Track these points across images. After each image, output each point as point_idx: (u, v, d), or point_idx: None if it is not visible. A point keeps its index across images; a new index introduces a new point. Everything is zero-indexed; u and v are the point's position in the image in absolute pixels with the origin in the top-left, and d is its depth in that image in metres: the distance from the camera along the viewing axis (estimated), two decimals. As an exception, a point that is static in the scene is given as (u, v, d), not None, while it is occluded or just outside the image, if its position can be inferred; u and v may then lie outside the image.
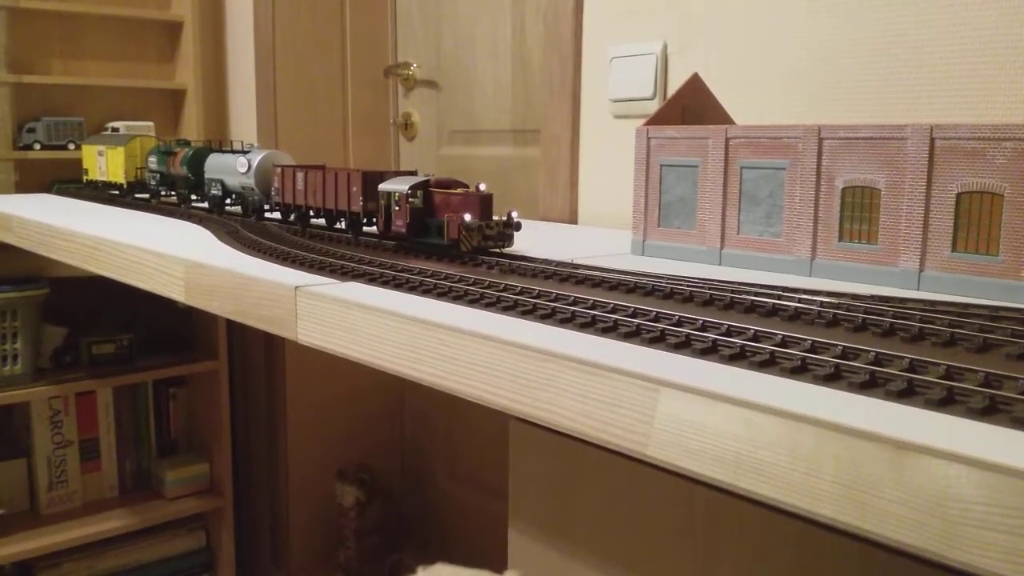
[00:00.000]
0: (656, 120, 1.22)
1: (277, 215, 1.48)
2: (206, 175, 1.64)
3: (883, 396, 0.56)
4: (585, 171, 1.87)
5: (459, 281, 0.94)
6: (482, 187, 1.11)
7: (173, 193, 1.85)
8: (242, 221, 1.51)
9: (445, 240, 1.09)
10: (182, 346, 2.60)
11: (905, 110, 1.32)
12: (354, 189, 1.24)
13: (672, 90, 1.54)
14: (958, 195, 0.92)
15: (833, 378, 0.60)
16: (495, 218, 1.11)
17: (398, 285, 0.95)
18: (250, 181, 1.50)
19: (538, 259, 1.05)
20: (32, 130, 2.66)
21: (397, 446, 2.71)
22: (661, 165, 1.20)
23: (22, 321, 2.25)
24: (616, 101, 1.78)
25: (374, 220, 1.23)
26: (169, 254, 1.20)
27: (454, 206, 1.11)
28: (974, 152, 0.90)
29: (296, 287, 0.95)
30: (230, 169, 1.55)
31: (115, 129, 2.79)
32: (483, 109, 2.50)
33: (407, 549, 2.55)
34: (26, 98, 2.69)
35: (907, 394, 0.56)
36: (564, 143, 1.88)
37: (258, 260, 1.15)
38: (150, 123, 2.84)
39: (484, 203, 1.10)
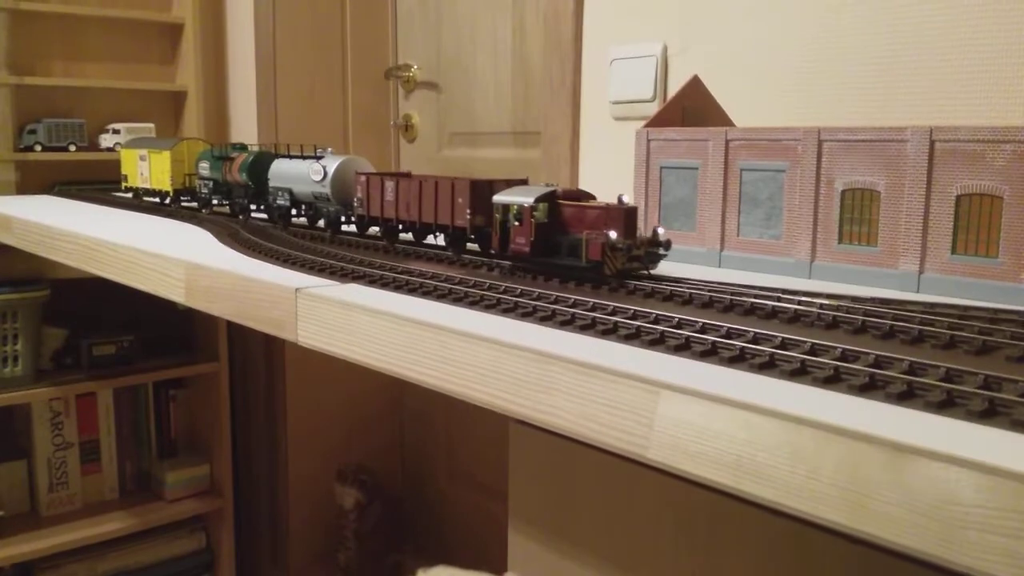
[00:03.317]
0: (656, 122, 1.22)
1: (351, 228, 1.34)
2: (270, 183, 1.46)
3: (883, 399, 0.56)
4: (585, 173, 1.87)
5: (459, 283, 0.94)
6: (625, 199, 0.96)
7: (227, 203, 1.67)
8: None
9: (583, 261, 0.93)
10: (182, 348, 2.60)
11: (906, 111, 1.32)
12: (459, 201, 1.09)
13: (672, 92, 1.54)
14: (958, 197, 0.92)
15: (833, 380, 0.60)
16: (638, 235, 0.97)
17: (398, 287, 0.95)
18: (325, 190, 1.33)
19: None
20: (33, 132, 2.66)
21: (397, 448, 2.71)
22: (661, 167, 1.20)
23: (23, 322, 2.25)
24: (616, 103, 1.78)
25: (479, 236, 1.10)
26: (169, 255, 1.20)
27: (590, 221, 0.95)
28: (973, 154, 0.90)
29: (297, 289, 0.95)
30: (300, 177, 1.38)
31: (116, 131, 2.79)
32: (483, 111, 2.50)
33: (407, 551, 2.55)
34: (27, 100, 2.69)
35: (907, 397, 0.56)
36: (564, 145, 1.88)
37: (258, 261, 1.15)
38: (151, 125, 2.85)
39: (629, 219, 0.94)
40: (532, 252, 0.97)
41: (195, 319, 2.59)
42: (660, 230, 0.96)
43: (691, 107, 1.24)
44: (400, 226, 1.20)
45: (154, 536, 2.51)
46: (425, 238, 1.20)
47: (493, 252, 1.04)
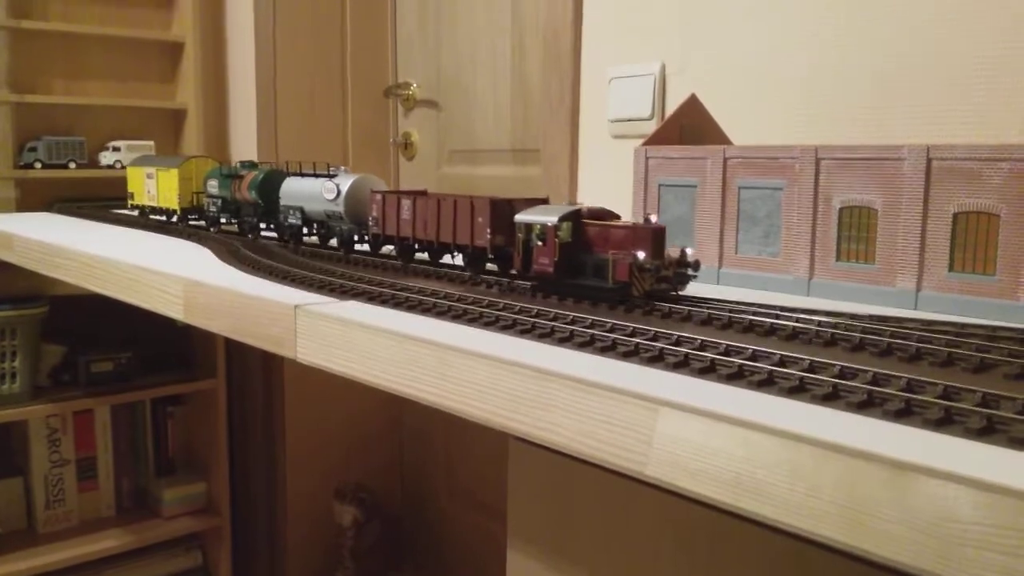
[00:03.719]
0: (654, 140, 1.23)
1: (365, 247, 1.33)
2: (282, 201, 1.44)
3: (881, 416, 0.56)
4: (584, 190, 1.88)
5: (458, 300, 0.94)
6: (653, 219, 0.94)
7: (235, 221, 1.65)
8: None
9: (610, 283, 0.91)
10: (180, 364, 2.60)
11: (904, 127, 1.33)
12: (480, 220, 1.06)
13: (670, 110, 1.54)
14: (955, 215, 0.92)
15: (831, 398, 0.60)
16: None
17: (397, 304, 0.95)
18: (338, 209, 1.31)
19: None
20: (33, 149, 2.67)
21: (396, 466, 2.70)
22: (659, 185, 1.21)
23: (21, 339, 2.25)
24: (615, 121, 1.79)
25: (499, 256, 1.08)
26: (168, 272, 1.20)
27: (617, 241, 0.92)
28: (970, 173, 0.90)
29: (296, 306, 0.95)
30: (313, 195, 1.36)
31: (116, 148, 2.80)
32: (483, 129, 2.51)
33: (405, 569, 2.54)
34: (27, 117, 2.69)
35: (905, 414, 0.56)
36: (563, 162, 1.89)
37: (257, 279, 1.15)
38: (151, 142, 2.85)
39: (657, 239, 0.91)
40: (556, 273, 0.95)
41: (193, 336, 2.58)
42: (689, 250, 0.93)
43: (689, 125, 1.25)
44: (416, 245, 1.18)
45: (151, 554, 2.50)
46: (441, 257, 1.18)
47: (515, 273, 1.01)
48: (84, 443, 2.47)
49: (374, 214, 1.23)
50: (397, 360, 0.82)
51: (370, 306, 0.96)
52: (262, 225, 1.56)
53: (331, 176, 1.36)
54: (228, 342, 2.53)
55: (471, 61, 2.52)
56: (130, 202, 2.06)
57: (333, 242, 1.38)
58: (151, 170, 1.93)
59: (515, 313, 0.87)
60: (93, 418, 2.48)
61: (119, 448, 2.54)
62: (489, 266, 1.11)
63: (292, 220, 1.42)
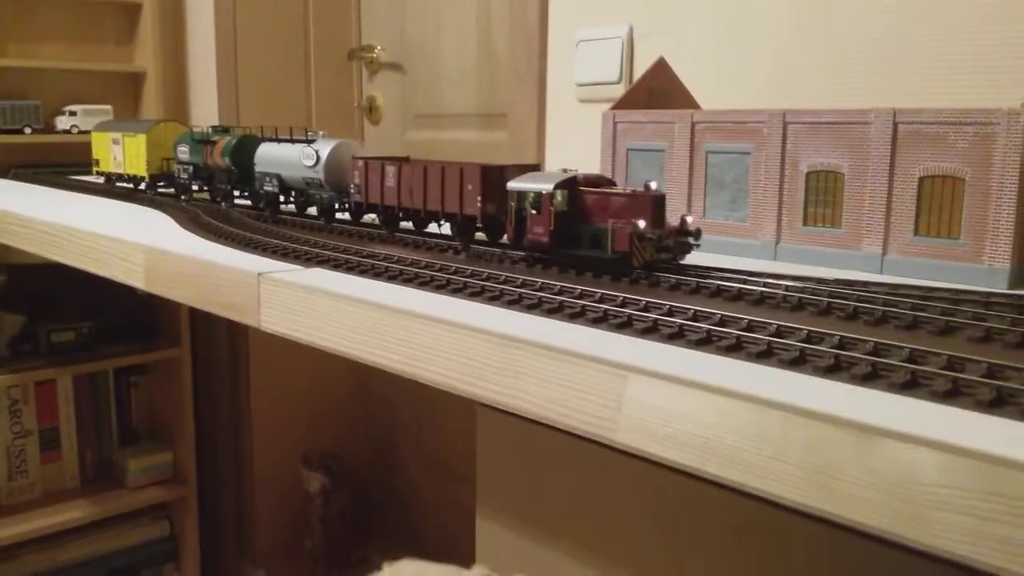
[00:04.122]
0: (622, 104, 1.22)
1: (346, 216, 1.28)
2: (256, 168, 1.39)
3: (848, 380, 0.56)
4: (551, 155, 1.86)
5: (425, 267, 0.93)
6: (653, 185, 0.89)
7: (207, 188, 1.59)
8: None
9: (608, 253, 0.87)
10: (144, 333, 2.56)
11: (870, 94, 1.33)
12: (469, 187, 1.02)
13: (638, 74, 1.53)
14: (920, 179, 0.93)
15: (799, 362, 0.60)
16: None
17: (363, 271, 0.94)
18: (318, 176, 1.26)
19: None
20: (-14, 114, 2.60)
21: (364, 433, 2.70)
22: (627, 149, 1.20)
23: (-22, 309, 2.20)
24: (582, 85, 1.78)
25: (489, 226, 1.04)
26: (129, 240, 1.18)
27: (615, 210, 0.89)
28: (936, 137, 0.91)
29: (259, 274, 0.94)
30: (290, 161, 1.31)
31: (72, 113, 2.73)
32: (449, 93, 2.48)
33: (373, 536, 2.55)
34: (-21, 81, 2.62)
35: (871, 378, 0.56)
36: (530, 127, 1.87)
37: (220, 246, 1.13)
38: (109, 107, 2.79)
39: (657, 207, 0.88)
40: (551, 243, 0.91)
41: (156, 304, 2.55)
42: (689, 218, 0.89)
43: (657, 89, 1.24)
44: (401, 214, 1.14)
45: (116, 524, 2.48)
46: (426, 226, 1.14)
47: (507, 243, 0.97)
48: (46, 414, 2.43)
49: (356, 181, 1.18)
50: (361, 328, 0.81)
51: (335, 273, 0.95)
52: (236, 193, 1.50)
53: (309, 142, 1.31)
54: (193, 310, 2.50)
55: (436, 23, 2.48)
56: (95, 169, 2.00)
57: (312, 211, 1.34)
58: (117, 135, 1.87)
59: (483, 280, 0.86)
60: (55, 388, 2.44)
61: (82, 418, 2.50)
62: (478, 236, 1.07)
63: (268, 188, 1.37)
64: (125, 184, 1.86)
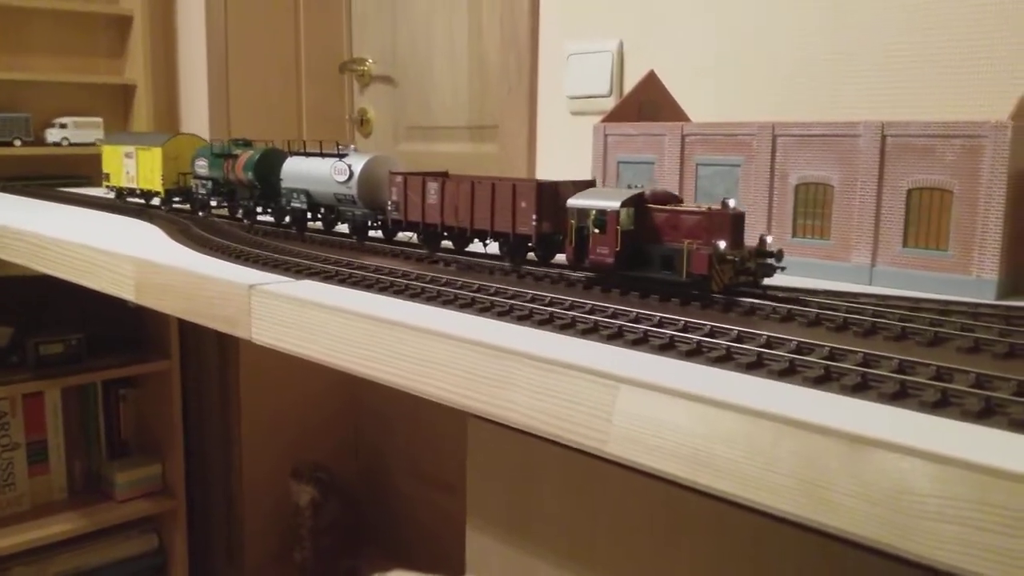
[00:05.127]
0: (613, 117, 1.22)
1: (378, 234, 1.23)
2: (283, 184, 1.32)
3: (838, 391, 0.57)
4: (542, 167, 1.87)
5: (416, 279, 0.93)
6: (731, 203, 0.83)
7: (226, 205, 1.53)
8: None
9: (683, 276, 0.81)
10: (133, 345, 2.55)
11: (862, 107, 1.34)
12: (523, 205, 0.96)
13: (628, 87, 1.54)
14: (909, 191, 0.93)
15: (789, 373, 0.60)
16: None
17: (354, 283, 0.94)
18: (351, 192, 1.20)
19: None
20: (-25, 125, 2.59)
21: (354, 445, 2.69)
22: (618, 162, 1.20)
23: (-34, 321, 2.19)
24: (573, 98, 1.78)
25: (543, 245, 0.98)
26: (119, 252, 1.18)
27: (688, 229, 0.83)
28: (924, 149, 0.91)
29: (250, 286, 0.94)
30: (321, 177, 1.25)
31: (63, 125, 2.73)
32: (440, 105, 2.49)
33: (362, 554, 2.53)
34: (-31, 93, 2.62)
35: (861, 388, 0.57)
36: (521, 139, 1.88)
37: (211, 258, 1.13)
38: (99, 119, 2.79)
39: (736, 226, 0.82)
40: (617, 264, 0.85)
41: (146, 316, 2.54)
42: (768, 238, 0.83)
43: (647, 102, 1.25)
44: (444, 233, 1.08)
45: (105, 537, 2.46)
46: (467, 246, 1.10)
47: (567, 263, 0.91)
48: (34, 426, 2.42)
49: (394, 198, 1.12)
50: (353, 340, 0.81)
51: (327, 285, 0.95)
52: (259, 209, 1.44)
53: (341, 156, 1.25)
54: (182, 322, 2.49)
55: (427, 36, 2.49)
56: (105, 183, 1.94)
57: (341, 228, 1.28)
58: (130, 149, 1.80)
59: (474, 292, 0.86)
60: (43, 401, 2.42)
61: (70, 431, 2.49)
62: (530, 256, 1.02)
63: (296, 204, 1.31)
64: (137, 199, 1.80)
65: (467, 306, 0.82)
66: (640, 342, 0.69)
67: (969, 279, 0.89)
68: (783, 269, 0.83)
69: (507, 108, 1.92)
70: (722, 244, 0.79)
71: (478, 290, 0.86)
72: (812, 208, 1.01)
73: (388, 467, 2.60)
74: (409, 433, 2.51)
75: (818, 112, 1.38)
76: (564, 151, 1.82)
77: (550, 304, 0.80)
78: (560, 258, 0.95)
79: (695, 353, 0.65)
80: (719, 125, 1.10)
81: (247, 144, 1.50)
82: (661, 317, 0.73)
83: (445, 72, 2.45)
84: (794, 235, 1.03)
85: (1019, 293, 0.90)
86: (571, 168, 1.78)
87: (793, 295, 0.81)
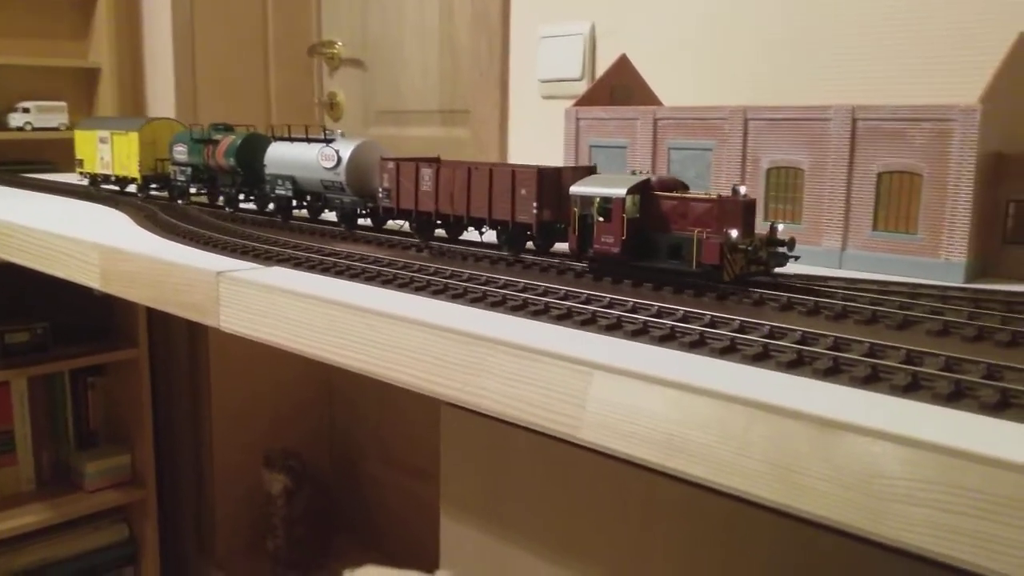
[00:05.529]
0: (585, 101, 1.22)
1: (367, 221, 1.20)
2: (267, 170, 1.29)
3: (810, 375, 0.57)
4: (514, 151, 1.86)
5: (388, 265, 0.92)
6: (742, 190, 0.81)
7: (206, 192, 1.48)
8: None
9: (693, 266, 0.79)
10: (100, 334, 2.52)
11: (832, 90, 1.34)
12: (523, 192, 0.93)
13: (600, 71, 1.53)
14: (879, 175, 0.94)
15: (761, 358, 0.60)
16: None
17: (324, 269, 0.93)
18: (339, 178, 1.17)
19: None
20: (-65, 110, 2.54)
21: (326, 432, 2.68)
22: (590, 146, 1.20)
23: (-72, 310, 2.15)
24: (545, 82, 1.78)
25: (543, 234, 0.95)
26: (85, 240, 1.16)
27: (697, 217, 0.80)
28: (894, 132, 0.92)
29: (218, 273, 0.92)
30: (307, 163, 1.21)
31: (25, 109, 2.68)
32: (410, 89, 2.47)
33: (337, 536, 2.53)
34: (-73, 77, 2.56)
35: (833, 372, 0.57)
36: (493, 124, 1.87)
37: (179, 245, 1.11)
38: (63, 103, 2.74)
39: (748, 214, 0.80)
40: (623, 253, 0.82)
41: (114, 304, 2.50)
42: (779, 226, 0.81)
43: (619, 86, 1.24)
44: (437, 221, 1.05)
45: (74, 528, 2.43)
46: (460, 234, 1.07)
47: (571, 253, 0.88)
48: (0, 416, 2.38)
49: (385, 185, 1.08)
50: (323, 327, 0.80)
51: (296, 272, 0.94)
52: (241, 196, 1.39)
53: (328, 141, 1.21)
54: (151, 309, 2.46)
55: (398, 19, 2.47)
56: (78, 170, 1.88)
57: (327, 216, 1.25)
58: (105, 134, 1.75)
59: (446, 278, 0.85)
60: (9, 390, 2.39)
61: (37, 421, 2.45)
62: (529, 246, 0.99)
63: (281, 191, 1.27)
64: (113, 186, 1.76)
65: (440, 292, 0.81)
66: (614, 328, 0.68)
67: (938, 262, 0.90)
68: (797, 258, 0.81)
69: (478, 92, 1.91)
70: (734, 233, 0.77)
71: (450, 276, 0.86)
72: (783, 192, 1.02)
73: (361, 454, 2.59)
74: (382, 420, 2.50)
75: (792, 96, 1.39)
76: (536, 135, 1.81)
77: (524, 290, 0.80)
78: (560, 247, 0.93)
79: (668, 339, 0.65)
80: (691, 109, 1.10)
81: (228, 129, 1.47)
82: (635, 303, 0.73)
83: (416, 55, 2.43)
84: (766, 219, 1.03)
85: (987, 276, 0.91)
86: (543, 153, 1.78)
87: (773, 281, 0.81)
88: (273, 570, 2.41)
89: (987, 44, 1.17)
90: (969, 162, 0.87)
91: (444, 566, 0.92)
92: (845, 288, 0.79)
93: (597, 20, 1.67)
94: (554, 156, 1.25)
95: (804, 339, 0.63)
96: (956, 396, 0.51)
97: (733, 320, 0.67)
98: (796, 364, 0.58)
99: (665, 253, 0.82)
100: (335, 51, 2.70)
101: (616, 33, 1.64)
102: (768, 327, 0.65)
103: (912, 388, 0.53)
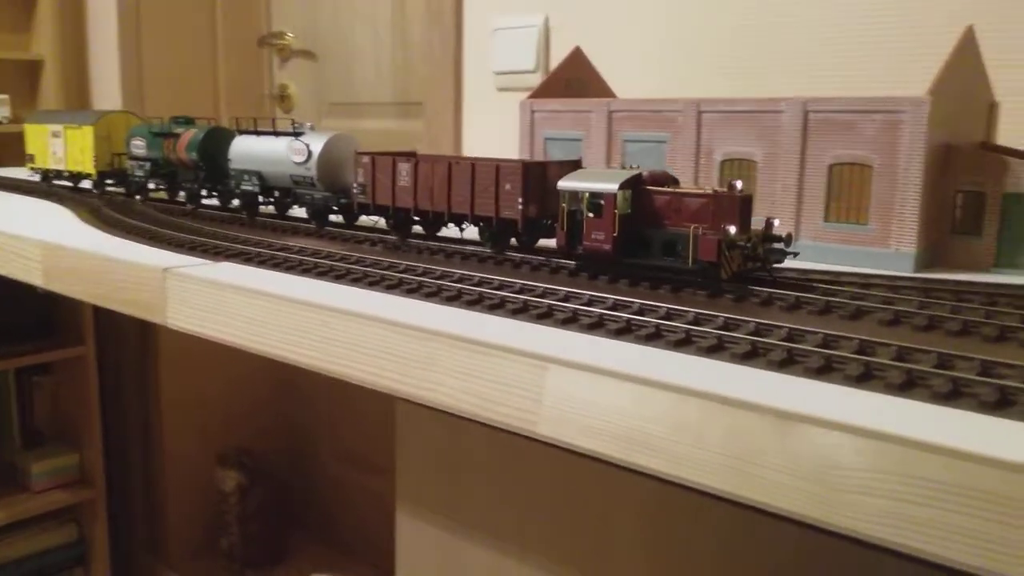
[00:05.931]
0: (539, 93, 1.21)
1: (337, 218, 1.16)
2: (232, 165, 1.24)
3: (764, 366, 0.57)
4: (468, 144, 1.85)
5: (341, 260, 0.91)
6: (738, 185, 0.78)
7: (165, 187, 1.43)
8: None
9: (689, 263, 0.76)
10: (45, 331, 2.46)
11: (785, 81, 1.35)
12: (507, 187, 0.90)
13: (555, 63, 1.53)
14: (830, 167, 0.95)
15: (716, 350, 0.60)
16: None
17: (276, 264, 0.91)
18: (309, 173, 1.12)
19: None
20: None
21: (281, 429, 2.65)
22: (545, 138, 1.19)
23: None
24: (499, 73, 1.77)
25: (529, 230, 0.92)
26: (27, 236, 1.12)
27: (692, 213, 0.78)
28: (845, 124, 0.93)
29: (165, 269, 0.90)
30: (275, 157, 1.17)
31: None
32: (363, 81, 2.44)
33: (293, 532, 2.50)
34: None
35: (787, 363, 0.57)
36: (447, 115, 1.86)
37: (126, 241, 1.08)
38: (5, 96, 2.66)
39: (745, 209, 0.77)
40: (614, 250, 0.80)
41: (60, 300, 2.45)
42: (776, 221, 0.78)
43: (574, 79, 1.24)
44: (415, 217, 1.01)
45: (21, 530, 2.38)
46: (438, 231, 1.03)
47: (559, 251, 0.85)
48: (-59, 417, 2.32)
49: (360, 180, 1.04)
50: (276, 324, 0.79)
51: (246, 267, 0.92)
52: (203, 192, 1.34)
53: (297, 135, 1.17)
54: (97, 306, 2.41)
55: (350, 9, 2.44)
56: (29, 165, 1.81)
57: (296, 212, 1.21)
58: (57, 128, 1.68)
59: (401, 272, 0.84)
60: (-50, 391, 2.32)
61: (-19, 421, 2.39)
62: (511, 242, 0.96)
63: (247, 187, 1.22)
64: (66, 182, 1.69)
65: (394, 287, 0.80)
66: (570, 321, 0.68)
67: (888, 252, 0.91)
68: (795, 255, 0.80)
69: (432, 84, 1.89)
70: (732, 229, 0.75)
71: (404, 271, 0.85)
72: (737, 184, 1.02)
73: (316, 450, 2.56)
74: (337, 415, 2.48)
75: (745, 88, 1.39)
76: (491, 128, 1.80)
77: (479, 284, 0.79)
78: (544, 243, 0.91)
79: (624, 332, 0.65)
80: (645, 102, 1.10)
81: (189, 122, 1.42)
82: (590, 296, 0.73)
83: (368, 47, 2.40)
84: (719, 211, 1.03)
85: (936, 266, 0.92)
86: (498, 145, 1.77)
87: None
88: (227, 568, 2.38)
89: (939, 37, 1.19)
90: (919, 153, 0.88)
91: (400, 561, 0.91)
92: (798, 279, 0.79)
93: (550, 12, 1.66)
94: (508, 148, 1.25)
95: (758, 330, 0.63)
96: (908, 385, 0.52)
97: (687, 312, 0.67)
98: (751, 355, 0.59)
99: (659, 250, 0.79)
100: (286, 42, 2.67)
101: (569, 25, 1.64)
102: (723, 319, 0.65)
103: (865, 378, 0.53)
